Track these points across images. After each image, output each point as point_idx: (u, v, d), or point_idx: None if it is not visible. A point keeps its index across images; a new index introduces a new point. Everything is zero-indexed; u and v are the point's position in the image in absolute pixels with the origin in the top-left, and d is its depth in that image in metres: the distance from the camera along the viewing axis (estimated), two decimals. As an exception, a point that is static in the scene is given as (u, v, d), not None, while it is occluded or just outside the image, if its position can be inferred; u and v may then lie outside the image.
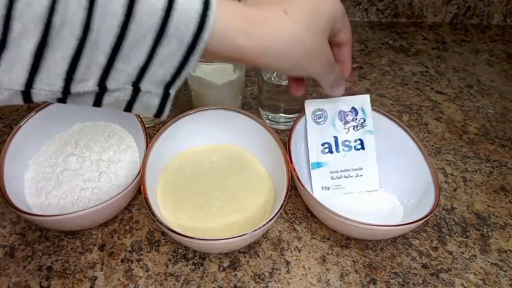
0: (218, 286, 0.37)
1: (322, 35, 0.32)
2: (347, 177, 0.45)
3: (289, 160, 0.41)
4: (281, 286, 0.37)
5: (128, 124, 0.47)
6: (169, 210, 0.40)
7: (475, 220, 0.44)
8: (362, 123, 0.46)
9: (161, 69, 0.27)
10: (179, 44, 0.26)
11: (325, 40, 0.32)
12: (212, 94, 0.50)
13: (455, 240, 0.42)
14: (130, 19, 0.24)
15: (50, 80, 0.25)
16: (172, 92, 0.29)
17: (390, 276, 0.38)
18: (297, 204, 0.45)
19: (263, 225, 0.34)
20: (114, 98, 0.28)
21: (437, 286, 0.38)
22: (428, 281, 0.38)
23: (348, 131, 0.46)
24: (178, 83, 0.28)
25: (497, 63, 0.72)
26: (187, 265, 0.39)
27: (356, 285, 0.37)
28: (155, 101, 0.29)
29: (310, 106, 0.46)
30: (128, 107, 0.29)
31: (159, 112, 0.30)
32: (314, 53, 0.31)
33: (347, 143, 0.46)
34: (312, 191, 0.45)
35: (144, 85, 0.28)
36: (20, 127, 0.43)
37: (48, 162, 0.44)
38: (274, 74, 0.51)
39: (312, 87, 0.63)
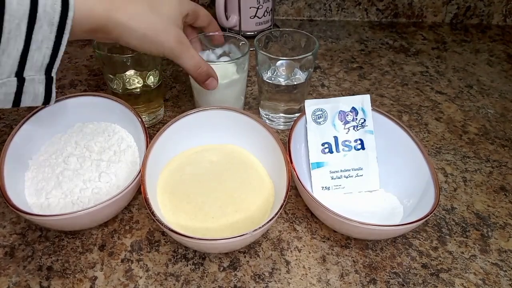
0: (218, 286, 0.37)
1: (167, 17, 0.40)
2: (347, 177, 0.45)
3: (289, 160, 0.41)
4: (281, 286, 0.37)
5: (128, 124, 0.47)
6: (169, 210, 0.40)
7: (475, 220, 0.44)
8: (362, 123, 0.46)
9: (39, 54, 0.31)
10: (49, 26, 0.30)
11: (172, 23, 0.40)
12: (214, 94, 0.50)
13: (455, 240, 0.42)
14: (3, 11, 0.27)
15: None
16: (54, 75, 0.33)
17: (390, 276, 0.38)
18: (297, 204, 0.45)
19: (263, 225, 0.34)
20: (3, 94, 0.31)
21: (437, 286, 0.38)
22: (428, 281, 0.38)
23: (348, 131, 0.46)
24: (57, 64, 0.32)
25: (497, 63, 0.72)
26: (187, 265, 0.39)
27: (356, 285, 0.37)
28: (41, 88, 0.33)
29: (310, 106, 0.46)
30: (17, 100, 0.32)
31: (46, 99, 0.35)
32: (159, 29, 0.39)
33: (347, 143, 0.46)
34: (312, 191, 0.45)
35: (27, 73, 0.31)
36: (20, 127, 0.43)
37: (48, 162, 0.44)
38: (274, 74, 0.51)
39: (312, 87, 0.63)
